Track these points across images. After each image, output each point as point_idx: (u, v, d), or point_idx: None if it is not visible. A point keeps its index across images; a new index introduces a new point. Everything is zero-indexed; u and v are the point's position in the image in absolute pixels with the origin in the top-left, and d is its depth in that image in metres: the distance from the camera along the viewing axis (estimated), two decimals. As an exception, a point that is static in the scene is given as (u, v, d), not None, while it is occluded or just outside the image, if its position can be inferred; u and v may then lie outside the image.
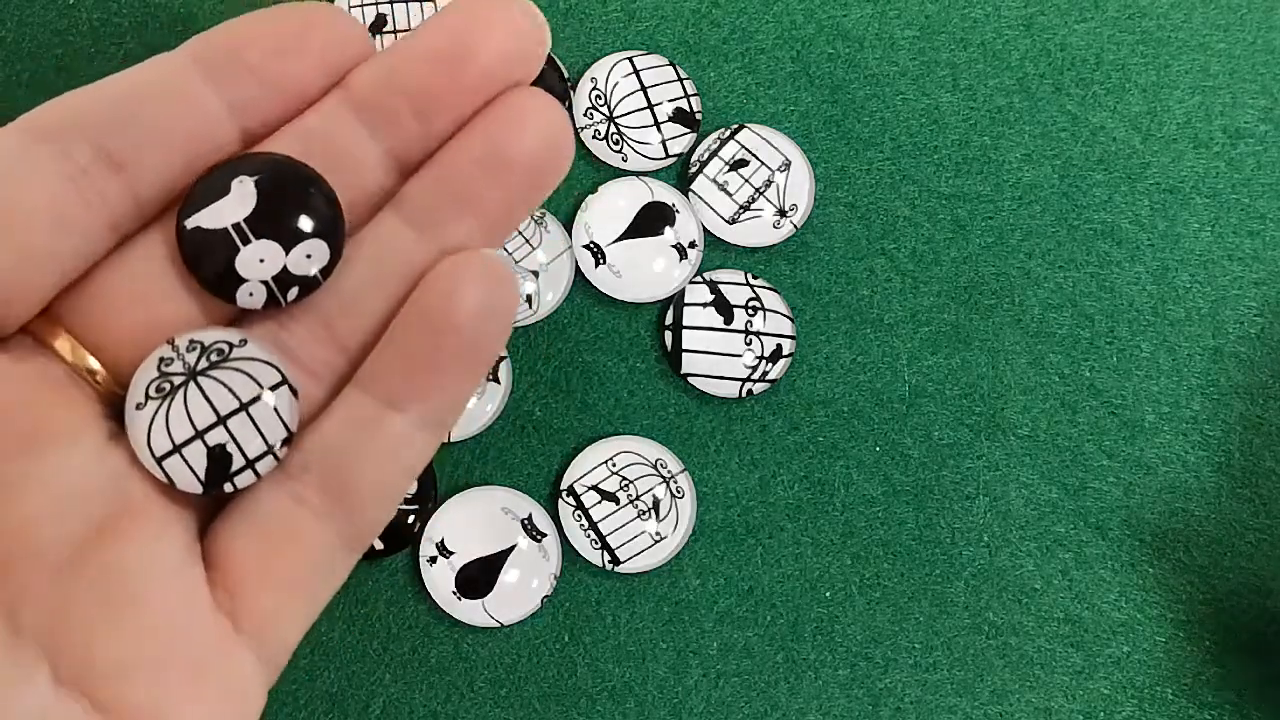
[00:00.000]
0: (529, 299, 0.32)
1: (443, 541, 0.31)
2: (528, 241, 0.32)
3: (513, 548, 0.31)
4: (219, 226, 0.22)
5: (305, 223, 0.22)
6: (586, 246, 0.32)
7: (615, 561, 0.30)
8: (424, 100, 0.22)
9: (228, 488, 0.22)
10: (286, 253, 0.22)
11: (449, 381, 0.24)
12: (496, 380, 0.31)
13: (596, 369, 0.32)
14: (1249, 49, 0.34)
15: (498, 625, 0.30)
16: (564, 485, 0.31)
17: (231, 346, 0.22)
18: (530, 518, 0.31)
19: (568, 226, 0.32)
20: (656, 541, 0.31)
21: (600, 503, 0.31)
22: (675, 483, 0.31)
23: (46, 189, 0.21)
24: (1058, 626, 0.31)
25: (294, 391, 0.23)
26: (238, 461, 0.22)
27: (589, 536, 0.31)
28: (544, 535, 0.31)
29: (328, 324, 0.24)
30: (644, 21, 0.34)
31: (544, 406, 0.32)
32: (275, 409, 0.22)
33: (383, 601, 0.31)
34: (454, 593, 0.30)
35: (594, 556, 0.31)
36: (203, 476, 0.22)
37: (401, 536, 0.30)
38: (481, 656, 0.31)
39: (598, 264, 0.32)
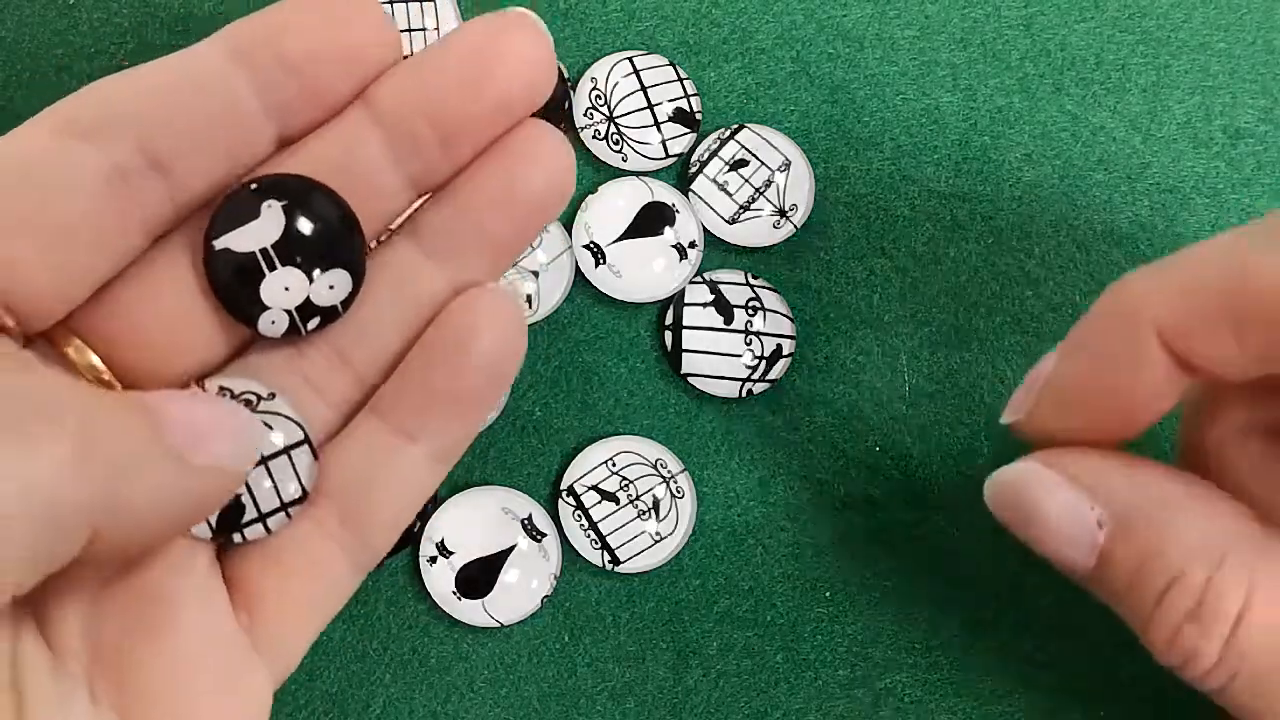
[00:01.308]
0: (529, 298, 0.31)
1: (443, 541, 0.30)
2: (528, 241, 0.32)
3: (513, 548, 0.30)
4: (247, 250, 0.21)
5: (331, 253, 0.22)
6: (586, 246, 0.32)
7: (615, 561, 0.30)
8: (448, 124, 0.22)
9: (236, 538, 0.22)
10: (310, 282, 0.22)
11: (463, 415, 0.24)
12: (496, 380, 0.31)
13: (596, 369, 0.32)
14: (1249, 49, 0.34)
15: (497, 625, 0.30)
16: (564, 485, 0.30)
17: (259, 399, 0.22)
18: (530, 518, 0.30)
19: (568, 226, 0.32)
20: (656, 541, 0.30)
21: (600, 503, 0.30)
22: (675, 483, 0.31)
23: (87, 199, 0.20)
24: (1059, 626, 0.31)
25: (315, 453, 0.22)
26: (250, 513, 0.22)
27: (589, 536, 0.30)
28: (544, 535, 0.30)
29: (344, 352, 0.23)
30: (644, 21, 0.34)
31: (544, 406, 0.31)
32: (294, 467, 0.22)
33: (383, 601, 0.30)
34: (454, 593, 0.30)
35: (594, 556, 0.30)
36: (214, 523, 0.22)
37: (402, 536, 0.30)
38: (482, 656, 0.30)
39: (598, 264, 0.32)
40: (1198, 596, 0.21)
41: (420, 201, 0.23)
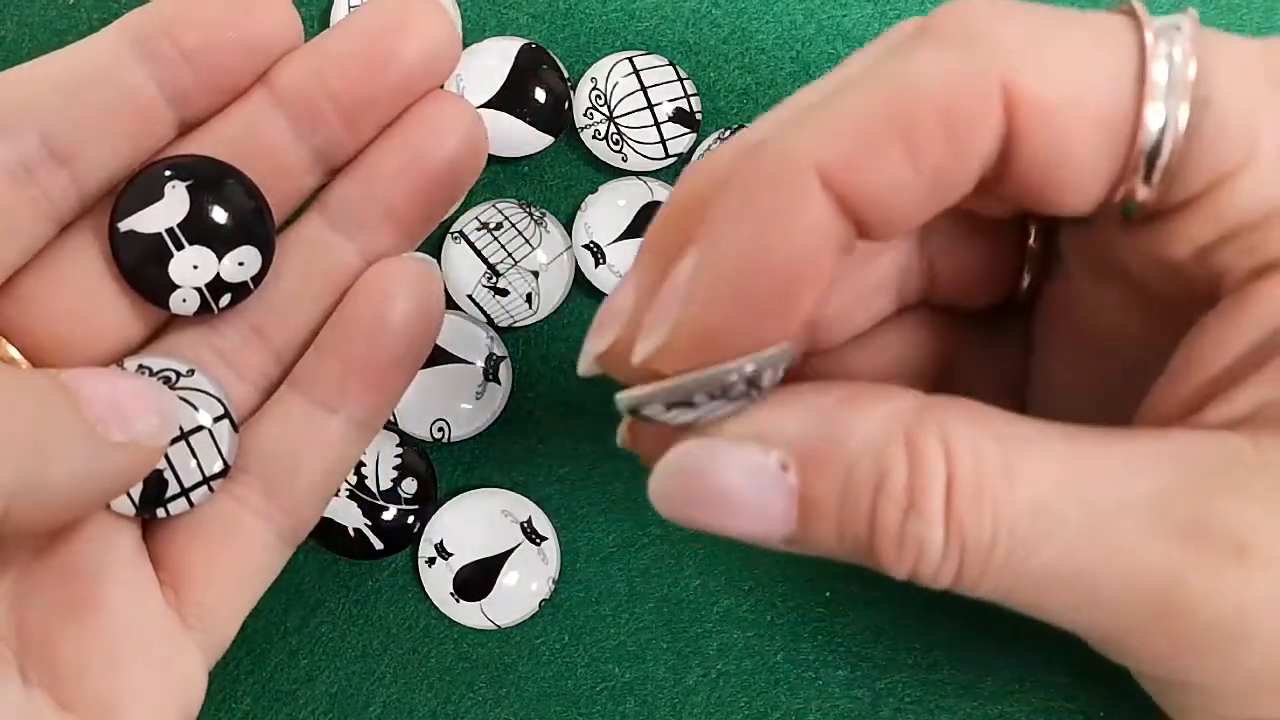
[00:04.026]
0: (529, 298, 0.31)
1: (441, 543, 0.29)
2: (527, 241, 0.31)
3: (512, 550, 0.29)
4: (152, 231, 0.21)
5: (238, 230, 0.21)
6: (586, 246, 0.30)
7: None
8: (350, 101, 0.21)
9: (160, 513, 0.21)
10: (219, 260, 0.21)
11: (383, 385, 0.23)
12: (496, 380, 0.30)
13: (596, 369, 0.31)
14: (1249, 48, 0.33)
15: (495, 628, 0.29)
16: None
17: (179, 375, 0.22)
18: (530, 521, 0.29)
19: (567, 226, 0.30)
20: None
21: (668, 411, 0.20)
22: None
23: None
24: (1061, 626, 0.30)
25: (235, 425, 0.22)
26: (173, 488, 0.21)
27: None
28: (544, 539, 0.29)
29: (259, 329, 0.23)
30: (644, 21, 0.33)
31: (544, 406, 0.30)
32: (215, 441, 0.22)
33: (382, 601, 0.29)
34: (452, 594, 0.28)
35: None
36: (136, 500, 0.21)
37: (401, 537, 0.28)
38: (481, 656, 0.29)
39: (598, 264, 0.30)
40: (905, 483, 0.17)
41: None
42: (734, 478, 0.18)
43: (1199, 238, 0.17)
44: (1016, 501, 0.17)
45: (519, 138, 0.31)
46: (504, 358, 0.30)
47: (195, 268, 0.21)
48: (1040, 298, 0.23)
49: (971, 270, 0.22)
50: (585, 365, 0.20)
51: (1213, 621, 0.17)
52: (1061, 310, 0.22)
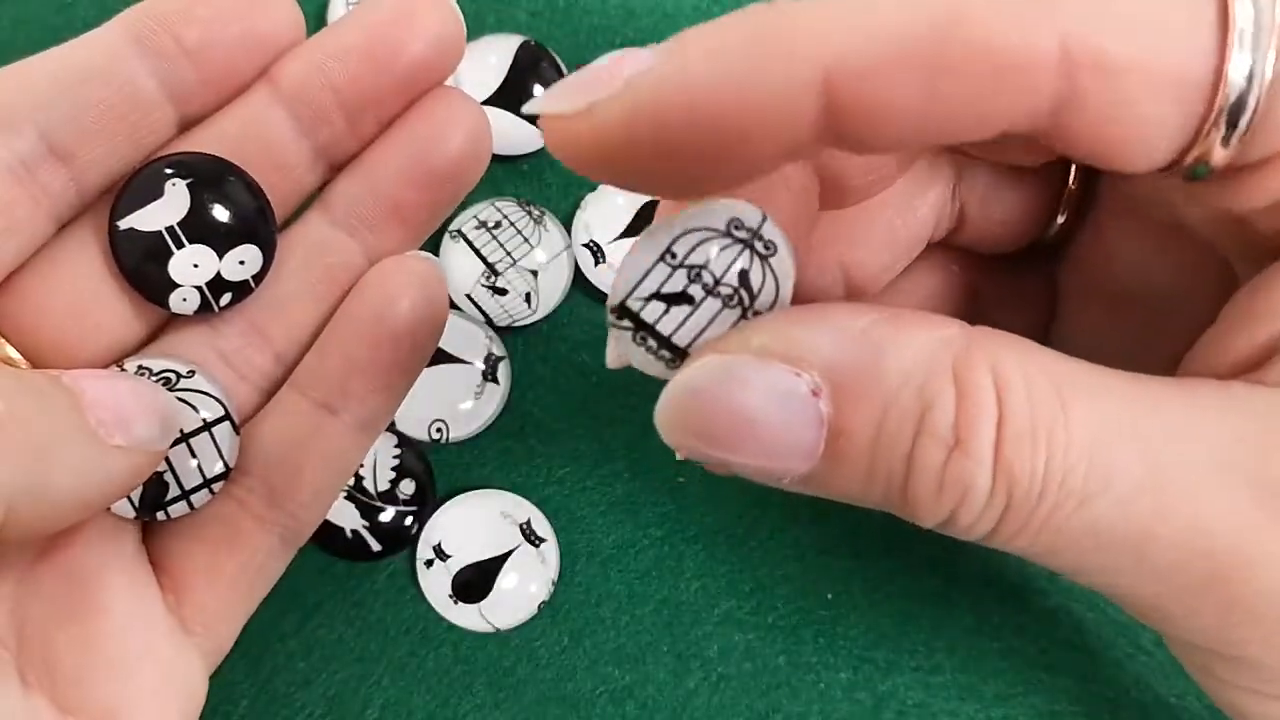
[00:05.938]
0: (528, 298, 0.30)
1: (440, 544, 0.28)
2: (526, 240, 0.30)
3: (510, 552, 0.28)
4: (152, 229, 0.21)
5: (239, 228, 0.21)
6: (586, 245, 0.30)
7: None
8: (353, 98, 0.21)
9: (160, 516, 0.21)
10: (220, 258, 0.21)
11: (386, 385, 0.23)
12: (495, 380, 0.30)
13: (596, 369, 0.31)
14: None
15: (494, 630, 0.28)
16: (613, 304, 0.19)
17: (179, 376, 0.21)
18: (529, 523, 0.29)
19: (567, 225, 0.30)
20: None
21: (668, 312, 0.19)
22: (760, 241, 0.18)
23: None
24: (1062, 628, 0.30)
25: (236, 427, 0.22)
26: (173, 491, 0.21)
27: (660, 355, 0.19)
28: (543, 540, 0.29)
29: (260, 328, 0.23)
30: (643, 19, 0.32)
31: (543, 406, 0.30)
32: (216, 442, 0.21)
33: (380, 603, 0.29)
34: (450, 596, 0.28)
35: (658, 368, 0.19)
36: (136, 503, 0.21)
37: (399, 538, 0.28)
38: (480, 659, 0.29)
39: (597, 263, 0.30)
40: (952, 420, 0.16)
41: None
42: (758, 401, 0.16)
43: (1273, 195, 0.16)
44: (1072, 446, 0.15)
45: (518, 136, 0.30)
46: (503, 357, 0.30)
47: (196, 266, 0.21)
48: (1070, 242, 0.22)
49: (1003, 216, 0.22)
50: (534, 106, 0.17)
51: (1273, 589, 0.16)
52: (1091, 256, 0.22)
